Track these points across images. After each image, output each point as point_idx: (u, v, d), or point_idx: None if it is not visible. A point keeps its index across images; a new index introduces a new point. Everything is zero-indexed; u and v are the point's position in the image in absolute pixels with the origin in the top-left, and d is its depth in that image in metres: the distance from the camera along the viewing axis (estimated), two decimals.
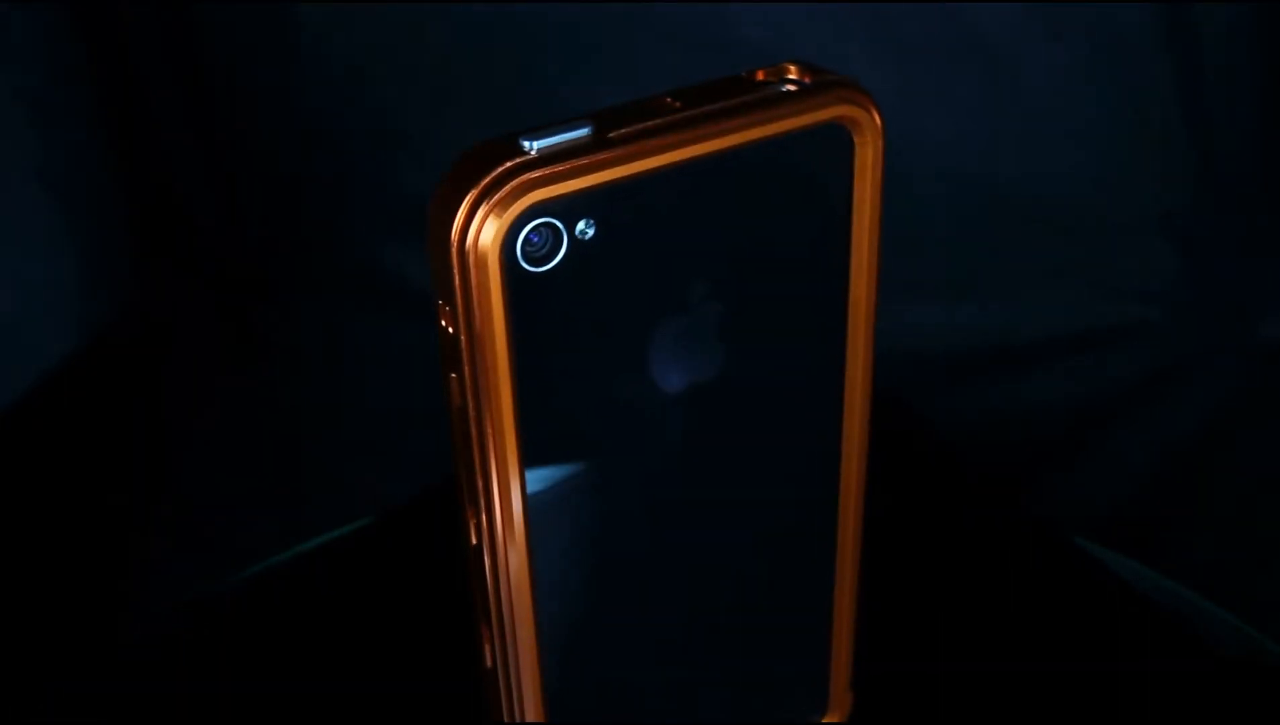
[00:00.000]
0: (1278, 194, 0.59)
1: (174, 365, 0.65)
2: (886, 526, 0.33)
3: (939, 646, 0.39)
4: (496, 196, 0.23)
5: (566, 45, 0.58)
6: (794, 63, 0.26)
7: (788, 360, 0.28)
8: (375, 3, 0.59)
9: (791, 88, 0.26)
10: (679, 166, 0.24)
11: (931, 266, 0.60)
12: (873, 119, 0.26)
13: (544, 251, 0.24)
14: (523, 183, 0.23)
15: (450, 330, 0.24)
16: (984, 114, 0.58)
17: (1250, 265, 0.60)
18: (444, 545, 0.31)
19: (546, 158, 0.23)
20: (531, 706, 0.29)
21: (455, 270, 0.23)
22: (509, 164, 0.23)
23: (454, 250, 0.23)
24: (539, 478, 0.26)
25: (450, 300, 0.24)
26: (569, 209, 0.24)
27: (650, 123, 0.24)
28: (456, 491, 0.27)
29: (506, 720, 0.29)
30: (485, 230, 0.23)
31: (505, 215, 0.23)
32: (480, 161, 0.23)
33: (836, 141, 0.26)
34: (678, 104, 0.25)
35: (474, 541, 0.27)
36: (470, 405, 0.25)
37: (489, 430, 0.25)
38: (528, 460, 0.26)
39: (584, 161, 0.23)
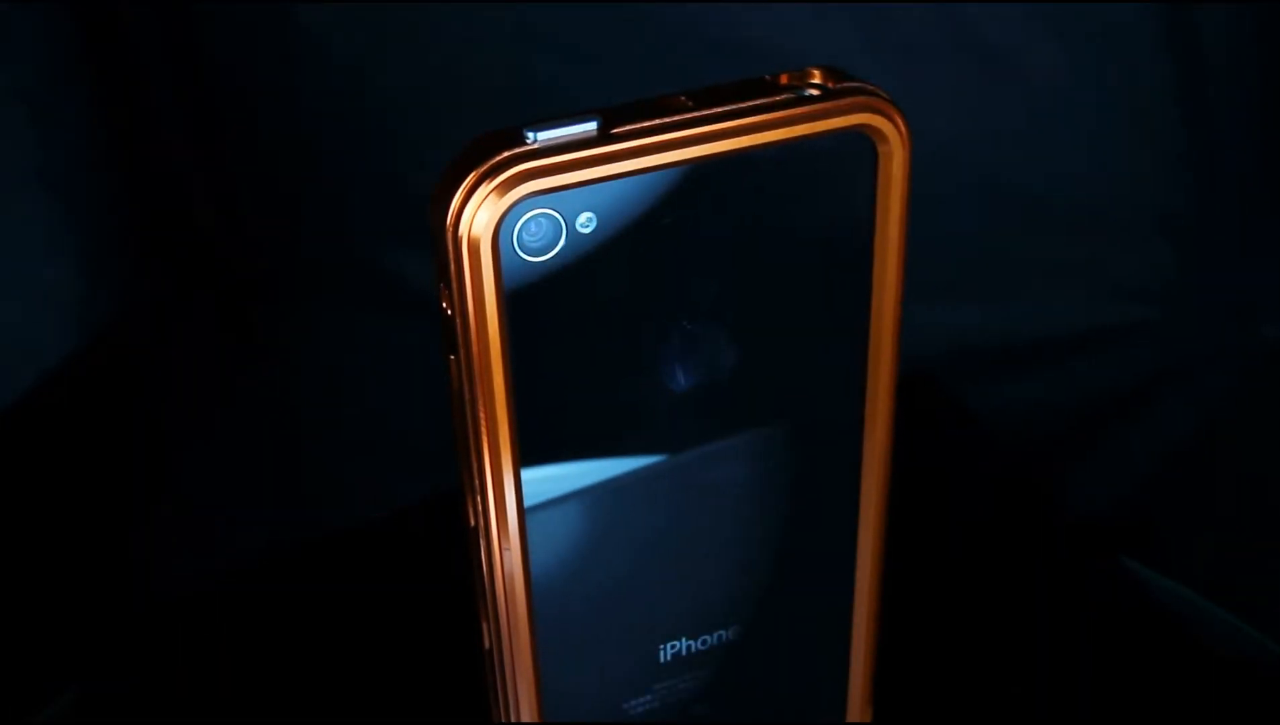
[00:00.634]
0: (1278, 194, 0.59)
1: (174, 366, 0.65)
2: (910, 525, 0.33)
3: (958, 655, 0.39)
4: (491, 184, 0.23)
5: (568, 45, 0.58)
6: (820, 67, 0.26)
7: (801, 368, 0.28)
8: (376, 2, 0.59)
9: (814, 92, 0.26)
10: (689, 166, 0.25)
11: (931, 266, 0.60)
12: (897, 129, 0.26)
13: (542, 242, 0.24)
14: (518, 173, 0.23)
15: (449, 312, 0.25)
16: (984, 114, 0.58)
17: (1250, 265, 0.60)
18: (446, 545, 0.32)
19: (547, 149, 0.24)
20: (526, 692, 0.29)
21: (450, 253, 0.24)
22: (508, 153, 0.24)
23: (449, 233, 0.24)
24: (534, 464, 0.27)
25: (448, 282, 0.24)
26: (569, 201, 0.24)
27: (658, 121, 0.24)
28: (458, 475, 0.27)
29: (503, 716, 0.29)
30: (479, 216, 0.23)
31: (498, 203, 0.23)
32: (482, 149, 0.24)
33: (859, 151, 0.26)
34: (690, 103, 0.25)
35: (470, 523, 0.27)
36: (465, 388, 0.25)
37: (482, 414, 0.25)
38: (523, 447, 0.26)
39: (585, 155, 0.24)
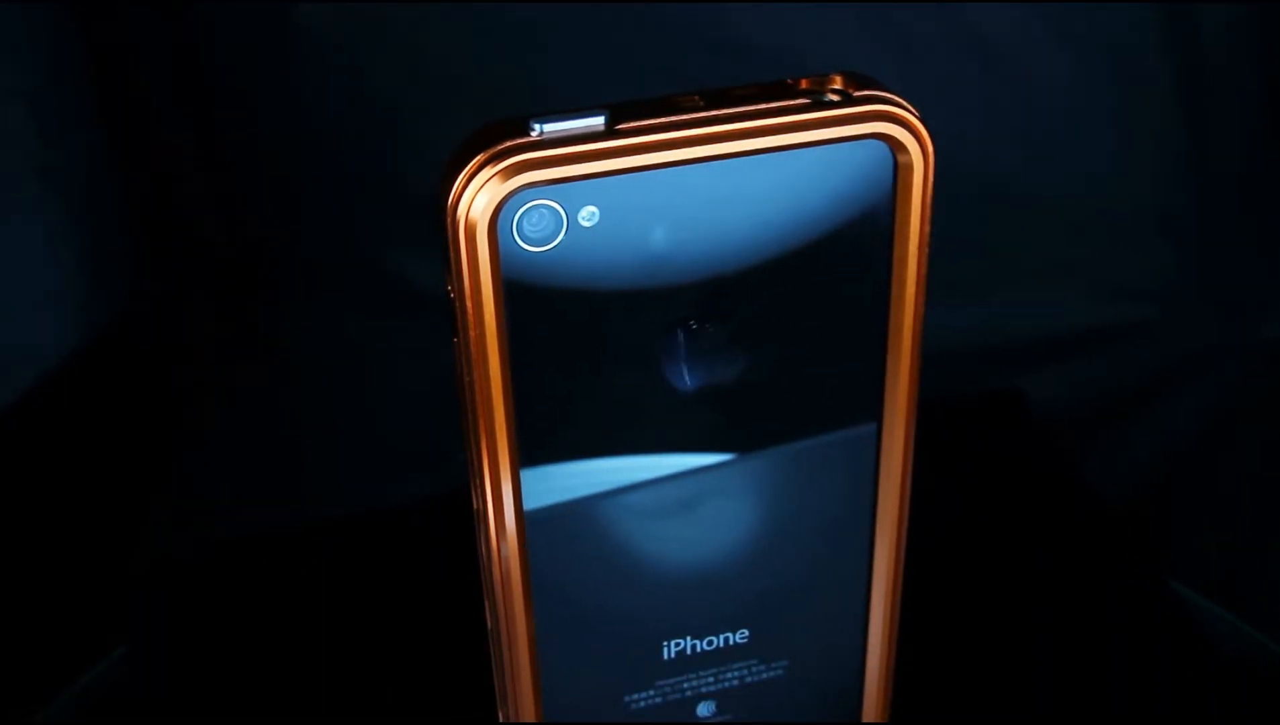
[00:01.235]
0: (1278, 194, 0.59)
1: (174, 365, 0.65)
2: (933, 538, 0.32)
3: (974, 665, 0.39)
4: (491, 171, 0.24)
5: (569, 46, 0.58)
6: (843, 73, 0.26)
7: (813, 376, 0.28)
8: (376, 2, 0.59)
9: (834, 98, 0.25)
10: (698, 166, 0.24)
11: (930, 266, 0.60)
12: (918, 141, 0.26)
13: (543, 233, 0.24)
14: (518, 162, 0.24)
15: (452, 295, 0.25)
16: (984, 114, 0.58)
17: (1250, 265, 0.60)
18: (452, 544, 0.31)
19: (550, 141, 0.24)
20: (524, 675, 0.29)
21: (449, 236, 0.24)
22: (509, 143, 0.24)
23: (449, 216, 0.24)
24: (534, 452, 0.27)
25: (449, 266, 0.25)
26: (571, 195, 0.24)
27: (666, 119, 0.24)
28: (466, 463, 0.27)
29: (501, 701, 0.29)
30: (477, 201, 0.24)
31: (496, 190, 0.24)
32: (487, 136, 0.24)
33: (877, 161, 0.26)
34: (701, 103, 0.25)
35: (475, 506, 0.27)
36: (465, 371, 0.26)
37: (479, 398, 0.26)
38: (522, 434, 0.26)
39: (588, 149, 0.24)
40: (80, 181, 0.63)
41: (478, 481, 0.27)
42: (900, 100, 0.26)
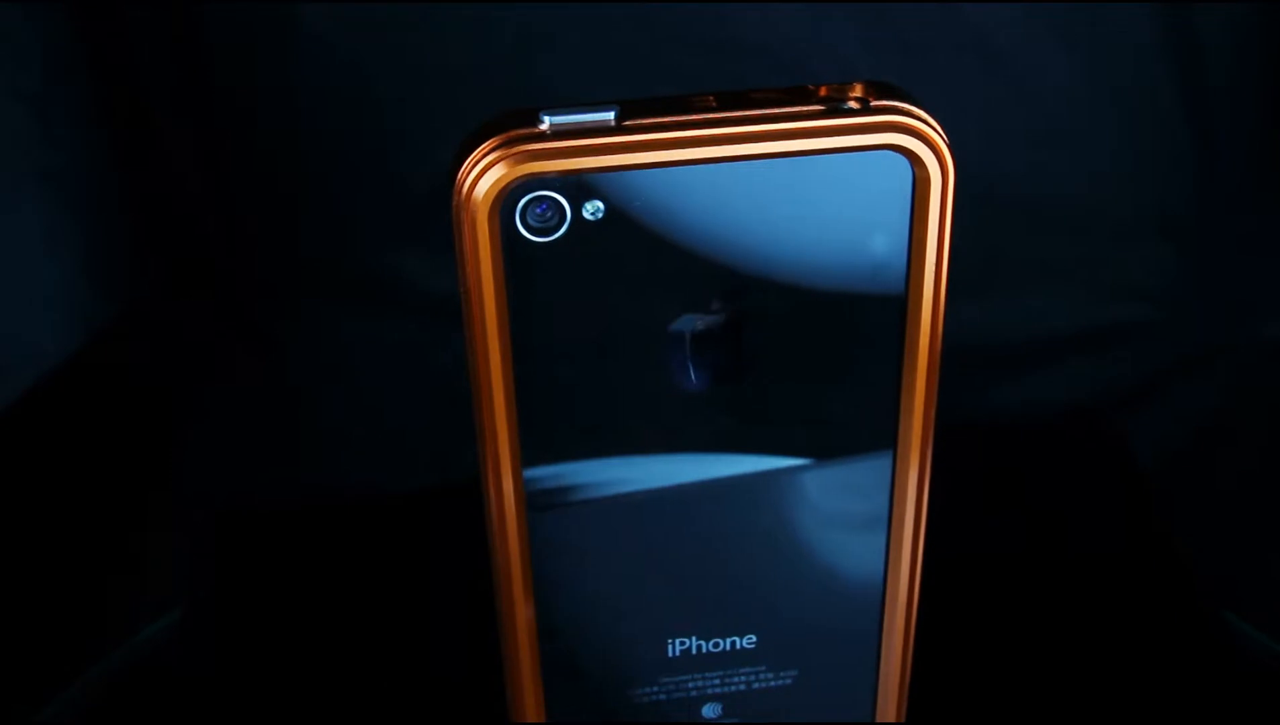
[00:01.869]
0: (1278, 194, 0.59)
1: (174, 365, 0.65)
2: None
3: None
4: (496, 159, 0.24)
5: (570, 46, 0.58)
6: (865, 82, 0.25)
7: (825, 384, 0.27)
8: (376, 3, 0.59)
9: (854, 106, 0.25)
10: (710, 167, 0.24)
11: None
12: (936, 155, 0.25)
13: (549, 224, 0.25)
14: (522, 152, 0.24)
15: (460, 279, 0.26)
16: (984, 114, 0.58)
17: (1250, 265, 0.60)
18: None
19: (558, 134, 0.24)
20: (527, 660, 0.29)
21: (455, 219, 0.25)
22: (516, 133, 0.24)
23: (456, 199, 0.24)
24: (537, 441, 0.27)
25: (456, 250, 0.25)
26: (576, 188, 0.24)
27: (676, 118, 0.24)
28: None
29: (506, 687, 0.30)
30: (480, 189, 0.24)
31: (500, 179, 0.24)
32: (498, 125, 0.24)
33: (894, 173, 0.25)
34: (714, 103, 0.25)
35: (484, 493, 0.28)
36: (470, 358, 0.26)
37: (482, 386, 0.27)
38: (524, 422, 0.26)
39: (594, 144, 0.24)
40: (80, 181, 0.63)
41: (483, 469, 0.27)
42: (920, 113, 0.25)
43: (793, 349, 0.27)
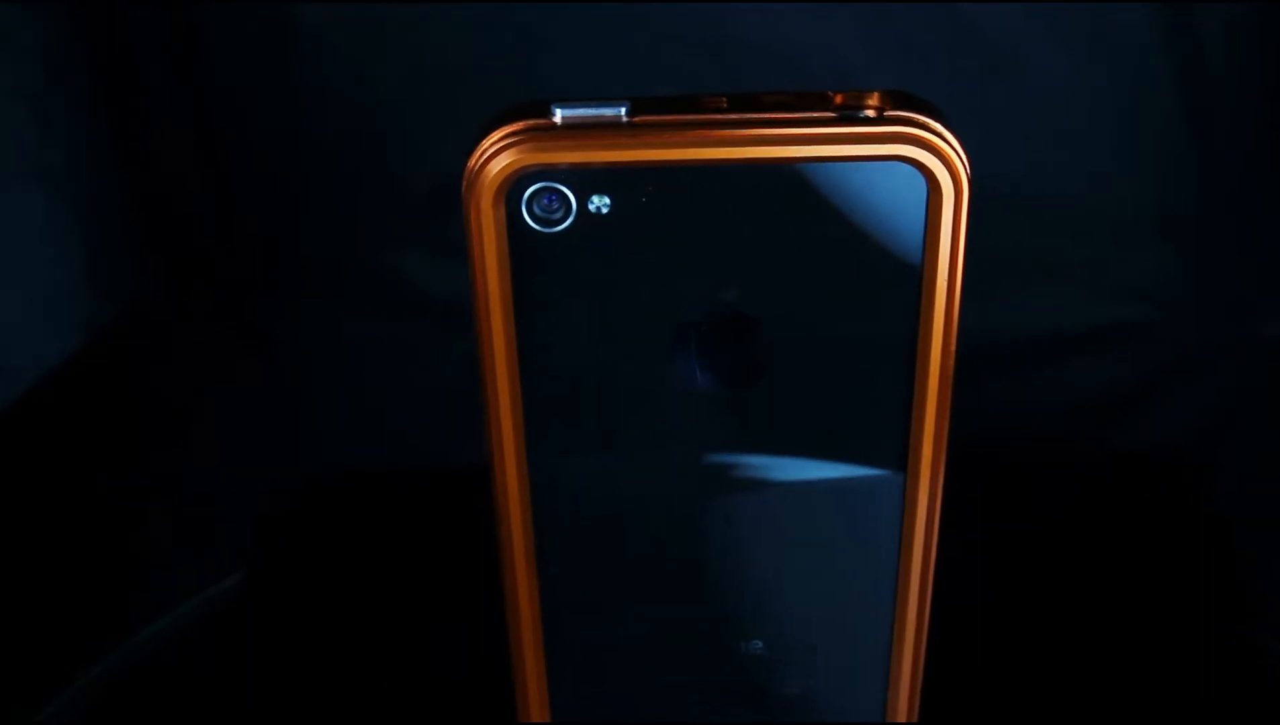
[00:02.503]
0: (1278, 194, 0.59)
1: (174, 365, 0.65)
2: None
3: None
4: (504, 147, 0.24)
5: (569, 46, 0.58)
6: (884, 91, 0.25)
7: (831, 392, 0.27)
8: (376, 2, 0.59)
9: (870, 114, 0.25)
10: (720, 169, 0.24)
11: None
12: (948, 168, 0.25)
13: (555, 215, 0.25)
14: (530, 141, 0.24)
15: (470, 265, 0.26)
16: (984, 114, 0.58)
17: (1250, 265, 0.60)
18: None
19: (568, 126, 0.24)
20: (531, 645, 0.29)
21: (463, 207, 0.25)
22: (527, 123, 0.25)
23: (465, 185, 0.25)
24: (542, 430, 0.27)
25: (465, 236, 0.26)
26: (583, 180, 0.24)
27: (685, 117, 0.24)
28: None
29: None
30: (487, 177, 0.25)
31: (507, 167, 0.25)
32: (511, 114, 0.25)
33: (907, 186, 0.25)
34: (725, 104, 0.25)
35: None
36: (477, 339, 0.27)
37: (488, 370, 0.27)
38: (529, 411, 0.27)
39: (602, 138, 0.24)
40: (80, 181, 0.63)
41: (490, 457, 0.27)
42: (936, 126, 0.25)
43: (801, 355, 0.26)
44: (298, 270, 0.68)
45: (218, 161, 0.67)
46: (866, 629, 0.30)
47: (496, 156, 0.25)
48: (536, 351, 0.26)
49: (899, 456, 0.27)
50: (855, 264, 0.25)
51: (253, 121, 0.66)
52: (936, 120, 0.25)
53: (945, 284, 0.26)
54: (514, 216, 0.25)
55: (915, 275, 0.25)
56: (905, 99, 0.25)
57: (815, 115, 0.24)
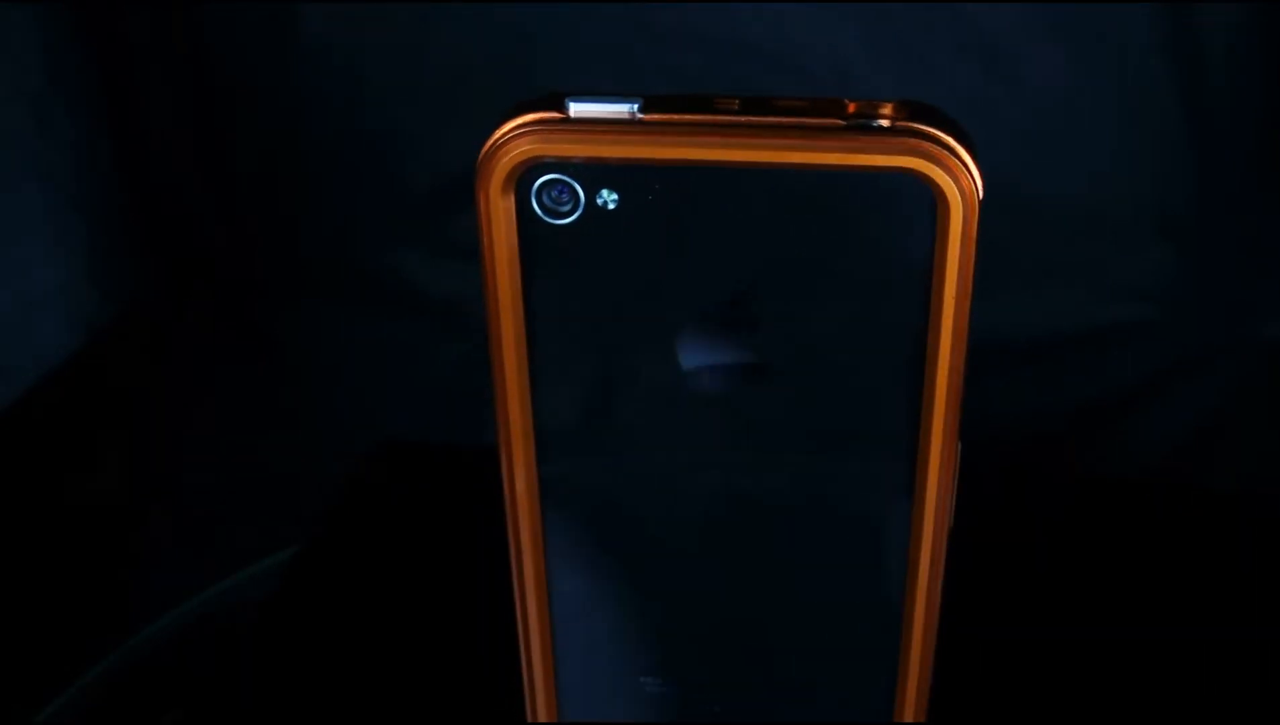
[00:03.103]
0: (1278, 194, 0.59)
1: (174, 365, 0.65)
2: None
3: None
4: (513, 138, 0.25)
5: (569, 47, 0.58)
6: (898, 101, 0.25)
7: (837, 399, 0.27)
8: (377, 2, 0.59)
9: (883, 123, 0.24)
10: (729, 171, 0.24)
11: None
12: (957, 182, 0.24)
13: (563, 207, 0.25)
14: (540, 134, 0.25)
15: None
16: (984, 114, 0.58)
17: (1250, 265, 0.60)
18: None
19: (579, 120, 0.24)
20: (539, 633, 0.29)
21: (475, 193, 0.25)
22: (539, 115, 0.25)
23: (477, 174, 0.25)
24: (551, 421, 0.27)
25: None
26: (591, 175, 0.24)
27: (694, 117, 0.24)
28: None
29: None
30: (498, 166, 0.25)
31: (516, 158, 0.25)
32: (526, 107, 0.25)
33: (915, 198, 0.24)
34: (735, 106, 0.25)
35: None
36: (488, 326, 0.27)
37: (497, 350, 0.27)
38: (538, 402, 0.27)
39: (610, 133, 0.24)
40: (80, 181, 0.63)
41: (499, 444, 0.28)
42: (947, 139, 0.24)
43: (805, 361, 0.26)
44: (298, 270, 0.68)
45: (218, 162, 0.67)
46: (875, 630, 0.29)
47: (508, 146, 0.25)
48: (545, 339, 0.26)
49: (907, 466, 0.27)
50: (861, 275, 0.25)
51: (253, 122, 0.66)
52: (950, 134, 0.24)
53: (954, 301, 0.25)
54: (523, 206, 0.25)
55: (923, 291, 0.25)
56: (921, 110, 0.24)
57: (824, 122, 0.24)
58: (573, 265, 0.26)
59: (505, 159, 0.25)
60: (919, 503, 0.27)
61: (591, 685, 0.31)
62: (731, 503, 0.28)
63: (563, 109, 0.25)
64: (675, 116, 0.24)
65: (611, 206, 0.25)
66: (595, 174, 0.25)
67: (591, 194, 0.25)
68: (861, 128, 0.24)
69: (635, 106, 0.24)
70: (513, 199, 0.25)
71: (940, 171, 0.24)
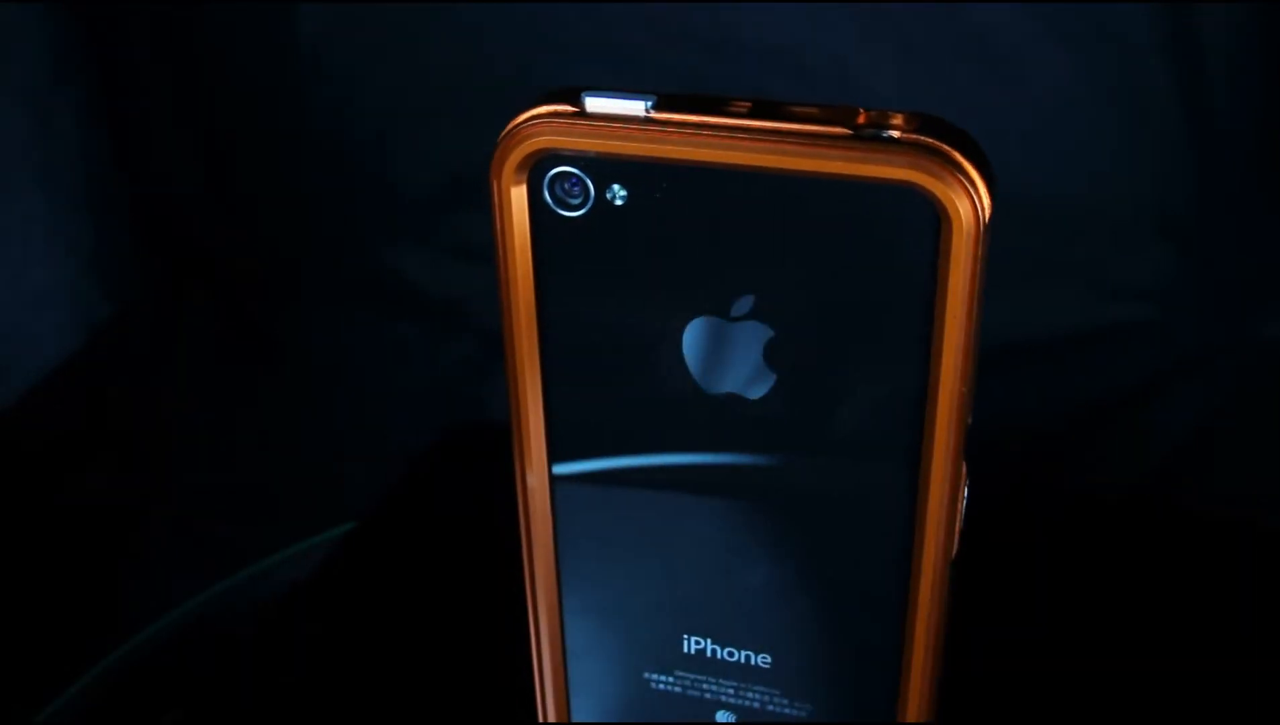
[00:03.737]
0: (1278, 194, 0.59)
1: (174, 365, 0.65)
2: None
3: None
4: (527, 130, 0.25)
5: (569, 48, 0.58)
6: (912, 113, 0.24)
7: (840, 406, 0.26)
8: (376, 3, 0.59)
9: (893, 134, 0.24)
10: (737, 173, 0.24)
11: None
12: (965, 198, 0.23)
13: (574, 200, 0.25)
14: (551, 126, 0.25)
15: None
16: (984, 114, 0.58)
17: (1250, 265, 0.60)
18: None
19: (592, 115, 0.25)
20: (549, 628, 0.29)
21: (489, 182, 0.26)
22: (555, 108, 0.25)
23: (492, 163, 0.26)
24: (563, 412, 0.27)
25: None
26: (600, 169, 0.25)
27: (703, 118, 0.24)
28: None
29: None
30: (510, 155, 0.25)
31: (525, 146, 0.25)
32: (545, 99, 0.25)
33: (916, 212, 0.24)
34: (744, 109, 0.25)
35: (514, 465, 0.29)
36: (501, 314, 0.27)
37: (510, 336, 0.27)
38: (548, 378, 0.27)
39: (619, 129, 0.25)
40: (80, 181, 0.63)
41: (513, 436, 0.28)
42: (953, 154, 0.23)
43: (808, 368, 0.26)
44: (298, 270, 0.68)
45: (218, 161, 0.67)
46: (880, 636, 0.29)
47: (522, 136, 0.25)
48: (556, 330, 0.27)
49: (909, 482, 0.27)
50: (864, 288, 0.25)
51: (253, 122, 0.66)
52: (959, 150, 0.24)
53: (957, 320, 0.24)
54: (535, 196, 0.26)
55: (925, 309, 0.25)
56: (932, 124, 0.24)
57: (830, 130, 0.24)
58: (583, 257, 0.26)
59: (518, 149, 0.25)
60: (920, 525, 0.27)
61: (602, 686, 0.31)
62: (740, 507, 0.28)
63: (579, 102, 0.25)
64: (684, 116, 0.24)
65: (620, 202, 0.25)
66: (605, 169, 0.25)
67: (601, 188, 0.25)
68: (867, 138, 0.24)
69: (648, 104, 0.25)
70: (525, 189, 0.25)
71: (943, 187, 0.23)
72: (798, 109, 0.24)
